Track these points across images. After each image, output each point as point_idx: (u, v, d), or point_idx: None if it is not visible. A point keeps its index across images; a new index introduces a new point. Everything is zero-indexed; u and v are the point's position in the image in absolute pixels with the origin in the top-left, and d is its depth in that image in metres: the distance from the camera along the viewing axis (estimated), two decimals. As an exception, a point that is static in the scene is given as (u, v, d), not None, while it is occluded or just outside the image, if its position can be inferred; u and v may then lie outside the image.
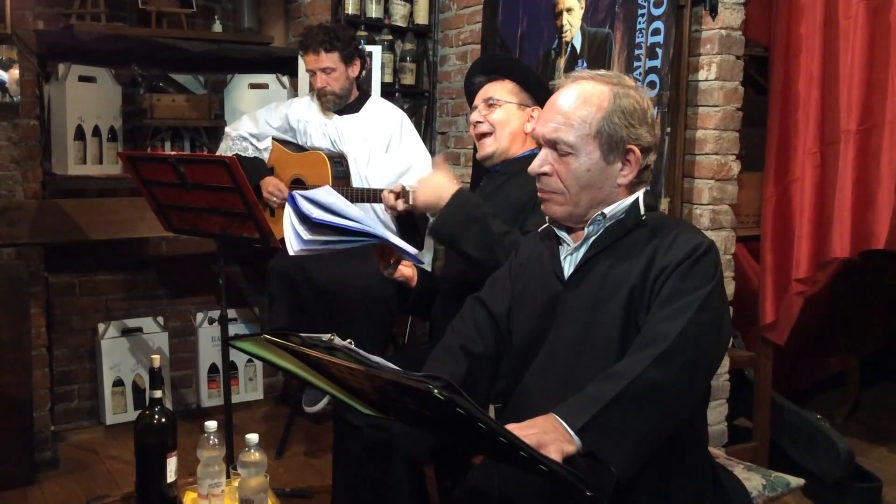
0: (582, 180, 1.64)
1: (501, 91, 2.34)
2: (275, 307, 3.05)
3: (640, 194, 1.67)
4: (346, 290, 2.98)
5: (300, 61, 3.57)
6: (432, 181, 2.13)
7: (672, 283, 1.54)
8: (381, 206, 2.86)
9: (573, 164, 1.64)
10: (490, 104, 2.33)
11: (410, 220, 2.86)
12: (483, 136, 2.34)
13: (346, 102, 3.24)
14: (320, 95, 3.22)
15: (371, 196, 2.89)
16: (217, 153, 3.44)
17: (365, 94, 3.34)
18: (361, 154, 3.19)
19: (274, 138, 3.35)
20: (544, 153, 1.68)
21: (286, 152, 3.30)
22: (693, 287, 1.53)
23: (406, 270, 2.19)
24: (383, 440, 1.94)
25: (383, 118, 3.27)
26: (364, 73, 3.47)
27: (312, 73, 3.20)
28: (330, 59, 3.15)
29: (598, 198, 1.65)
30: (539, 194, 1.72)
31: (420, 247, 3.17)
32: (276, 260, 3.06)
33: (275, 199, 3.19)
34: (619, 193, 1.66)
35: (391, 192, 2.62)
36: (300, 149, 3.31)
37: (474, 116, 2.35)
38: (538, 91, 2.33)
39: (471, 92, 2.47)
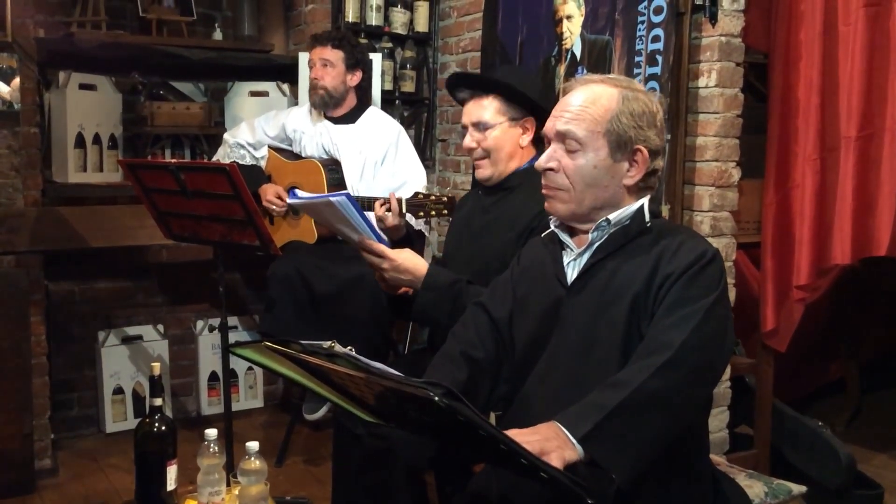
0: (588, 178, 1.64)
1: (490, 112, 2.27)
2: (274, 312, 3.05)
3: (644, 201, 1.67)
4: (346, 296, 2.97)
5: (300, 69, 3.58)
6: (404, 265, 2.11)
7: (676, 292, 1.53)
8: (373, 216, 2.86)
9: (580, 161, 1.64)
10: (481, 129, 2.27)
11: (405, 237, 2.85)
12: (479, 158, 2.30)
13: (336, 105, 3.24)
14: (311, 88, 3.23)
15: (365, 205, 2.90)
16: (214, 159, 3.45)
17: (363, 105, 3.34)
18: (355, 167, 3.19)
19: (270, 146, 3.36)
20: (552, 149, 1.68)
21: (282, 160, 3.30)
22: (698, 296, 1.52)
23: None
24: (384, 447, 1.93)
25: (380, 131, 3.26)
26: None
27: (312, 65, 3.21)
28: (333, 55, 3.18)
29: (602, 198, 1.65)
30: (544, 191, 1.71)
31: None
32: (275, 265, 3.06)
33: (274, 206, 3.19)
34: (624, 196, 1.66)
35: (381, 204, 2.61)
36: (296, 157, 3.31)
37: (467, 142, 2.30)
38: (525, 102, 2.27)
39: (458, 100, 2.41)
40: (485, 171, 2.31)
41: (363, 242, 2.14)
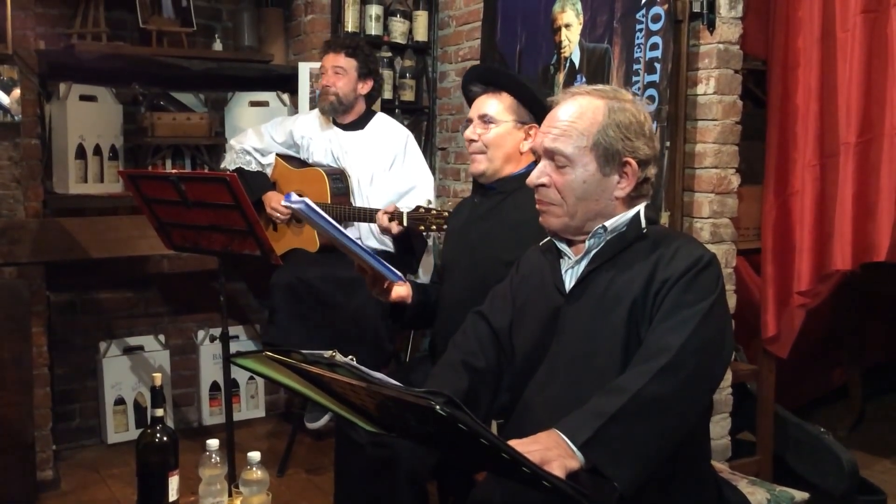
0: (578, 192, 1.65)
1: (498, 108, 2.26)
2: (277, 321, 3.05)
3: (640, 208, 1.68)
4: (350, 294, 2.97)
5: (300, 78, 3.59)
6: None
7: (674, 296, 1.54)
8: (377, 226, 2.87)
9: (570, 176, 1.65)
10: (486, 122, 2.26)
11: (407, 242, 2.86)
12: (476, 152, 2.29)
13: (344, 112, 3.23)
14: (322, 94, 3.22)
15: (367, 216, 2.90)
16: (221, 165, 3.46)
17: (371, 112, 3.34)
18: (364, 173, 3.19)
19: (277, 153, 3.36)
20: (543, 165, 1.70)
21: (288, 168, 3.31)
22: (695, 300, 1.53)
23: (401, 290, 2.19)
24: (386, 456, 1.93)
25: (389, 136, 3.27)
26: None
27: (324, 71, 3.21)
28: (347, 63, 3.18)
29: (594, 210, 1.66)
30: (537, 206, 1.73)
31: (415, 268, 3.17)
32: (277, 275, 3.06)
33: (278, 214, 3.19)
34: (618, 206, 1.67)
35: (385, 213, 2.61)
36: (302, 164, 3.32)
37: (468, 133, 2.29)
38: (537, 108, 2.24)
39: (469, 97, 2.40)
40: (479, 165, 2.28)
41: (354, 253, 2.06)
